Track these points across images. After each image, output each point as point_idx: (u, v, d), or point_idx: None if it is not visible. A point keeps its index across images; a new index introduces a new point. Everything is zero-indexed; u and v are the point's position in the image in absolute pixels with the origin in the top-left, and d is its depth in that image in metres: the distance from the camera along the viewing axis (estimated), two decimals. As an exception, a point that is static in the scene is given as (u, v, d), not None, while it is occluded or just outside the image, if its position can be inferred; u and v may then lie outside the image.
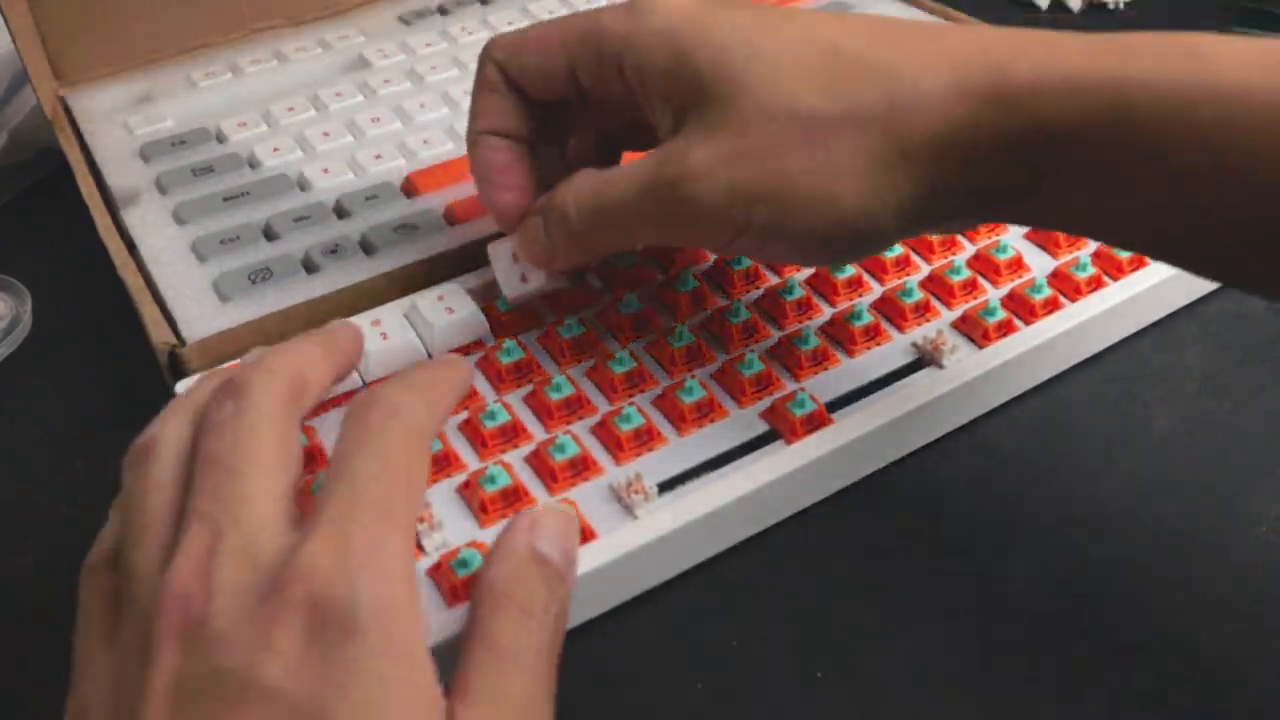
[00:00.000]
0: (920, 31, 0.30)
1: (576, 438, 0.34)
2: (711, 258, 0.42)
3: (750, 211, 0.30)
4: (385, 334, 0.37)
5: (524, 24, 0.54)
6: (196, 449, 0.26)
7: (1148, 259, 0.41)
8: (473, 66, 0.52)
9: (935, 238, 0.42)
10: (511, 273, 0.37)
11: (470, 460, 0.35)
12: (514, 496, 0.33)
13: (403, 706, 0.22)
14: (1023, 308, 0.39)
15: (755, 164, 0.30)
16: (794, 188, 0.29)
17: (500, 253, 0.37)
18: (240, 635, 0.22)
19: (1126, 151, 0.27)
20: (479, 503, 0.33)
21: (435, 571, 0.31)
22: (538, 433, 0.35)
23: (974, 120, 0.28)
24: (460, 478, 0.34)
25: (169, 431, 0.27)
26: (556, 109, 0.36)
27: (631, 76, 0.33)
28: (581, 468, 0.34)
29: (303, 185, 0.45)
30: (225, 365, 0.31)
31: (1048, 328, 0.39)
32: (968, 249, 0.42)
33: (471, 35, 0.54)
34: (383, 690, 0.22)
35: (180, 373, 0.37)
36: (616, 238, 0.34)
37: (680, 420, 0.35)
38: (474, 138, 0.36)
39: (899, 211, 0.30)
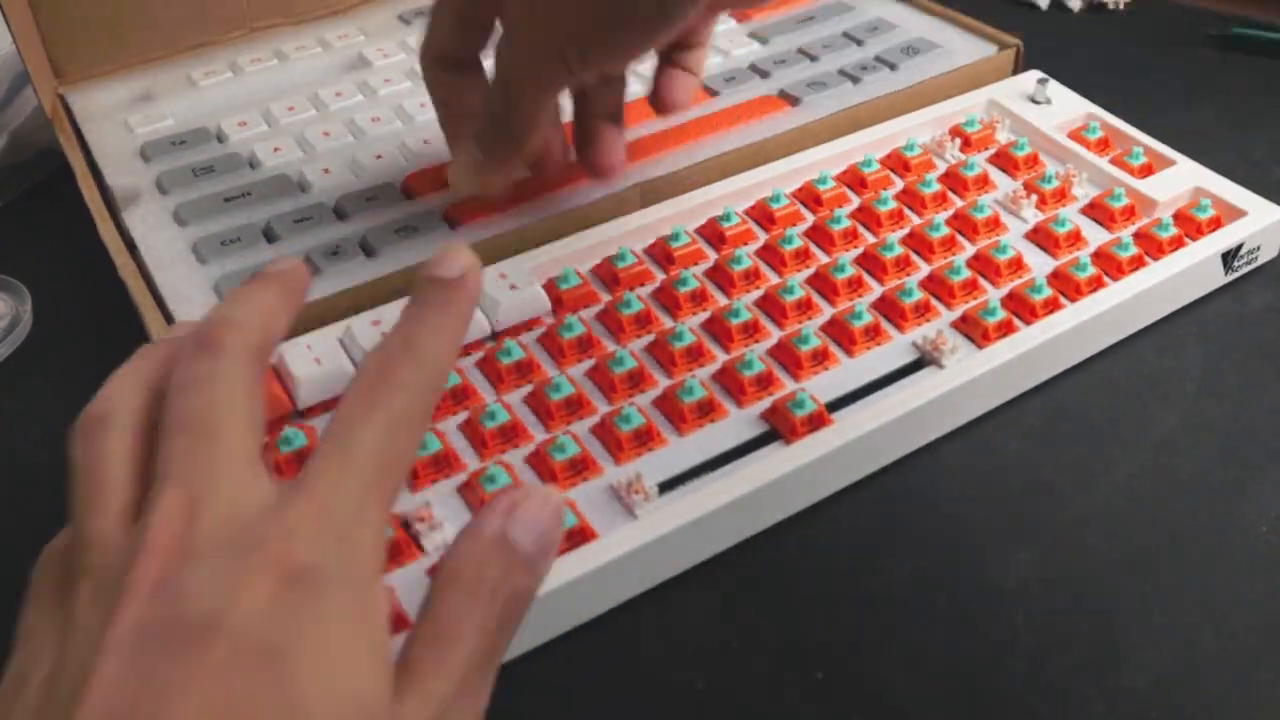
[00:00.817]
0: None
1: (576, 438, 0.34)
2: (711, 258, 0.42)
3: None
4: (385, 334, 0.36)
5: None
6: (166, 410, 0.25)
7: (1147, 261, 0.41)
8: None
9: (934, 237, 0.42)
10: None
11: (470, 460, 0.35)
12: (514, 497, 0.33)
13: (358, 661, 0.23)
14: (1023, 308, 0.39)
15: None
16: None
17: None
18: (213, 584, 0.22)
19: None
20: (479, 503, 0.33)
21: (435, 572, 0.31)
22: (538, 433, 0.35)
23: None
24: (460, 478, 0.34)
25: (123, 399, 0.26)
26: None
27: None
28: (581, 468, 0.34)
29: (303, 186, 0.45)
30: (164, 335, 0.30)
31: (1048, 328, 0.39)
32: (967, 249, 0.42)
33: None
34: (343, 645, 0.23)
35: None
36: (522, 103, 0.36)
37: (680, 420, 0.35)
38: (442, 123, 0.41)
39: None
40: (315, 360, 0.36)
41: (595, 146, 0.42)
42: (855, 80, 0.51)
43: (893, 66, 0.51)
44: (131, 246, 0.42)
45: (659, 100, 0.42)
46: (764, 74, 0.52)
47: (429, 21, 0.39)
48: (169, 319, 0.39)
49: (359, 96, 0.50)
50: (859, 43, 0.54)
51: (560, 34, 0.33)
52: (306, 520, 0.23)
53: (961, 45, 0.53)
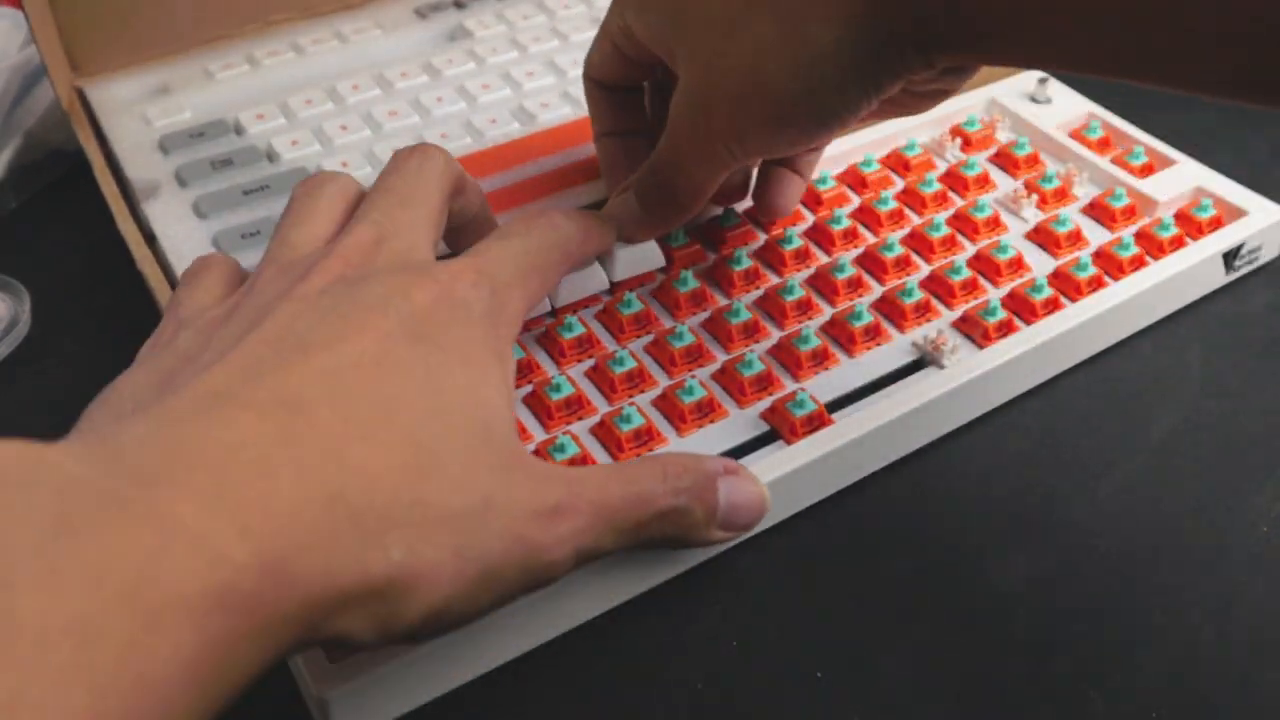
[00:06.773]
0: None
1: (576, 438, 0.34)
2: (711, 258, 0.42)
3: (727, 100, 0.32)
4: None
5: (540, 18, 0.55)
6: (379, 180, 0.32)
7: (1148, 260, 0.41)
8: (490, 60, 0.52)
9: (935, 237, 0.42)
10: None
11: (472, 460, 0.35)
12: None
13: (491, 378, 0.28)
14: (1023, 308, 0.39)
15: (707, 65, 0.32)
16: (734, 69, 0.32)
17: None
18: (386, 285, 0.27)
19: None
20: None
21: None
22: (537, 432, 0.35)
23: None
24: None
25: (347, 177, 0.33)
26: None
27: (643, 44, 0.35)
28: (582, 468, 0.34)
29: (319, 180, 0.45)
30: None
31: (1048, 328, 0.39)
32: (968, 249, 0.42)
33: (487, 29, 0.54)
34: (483, 364, 0.28)
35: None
36: (682, 185, 0.36)
37: (680, 420, 0.36)
38: (596, 140, 0.41)
39: (843, 52, 0.30)
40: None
41: (771, 188, 0.41)
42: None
43: (895, 66, 0.51)
44: (150, 238, 0.42)
45: (760, 202, 0.41)
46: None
47: (595, 39, 0.38)
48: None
49: (375, 90, 0.50)
50: (862, 42, 0.53)
51: (720, 127, 0.33)
52: (468, 273, 0.29)
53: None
